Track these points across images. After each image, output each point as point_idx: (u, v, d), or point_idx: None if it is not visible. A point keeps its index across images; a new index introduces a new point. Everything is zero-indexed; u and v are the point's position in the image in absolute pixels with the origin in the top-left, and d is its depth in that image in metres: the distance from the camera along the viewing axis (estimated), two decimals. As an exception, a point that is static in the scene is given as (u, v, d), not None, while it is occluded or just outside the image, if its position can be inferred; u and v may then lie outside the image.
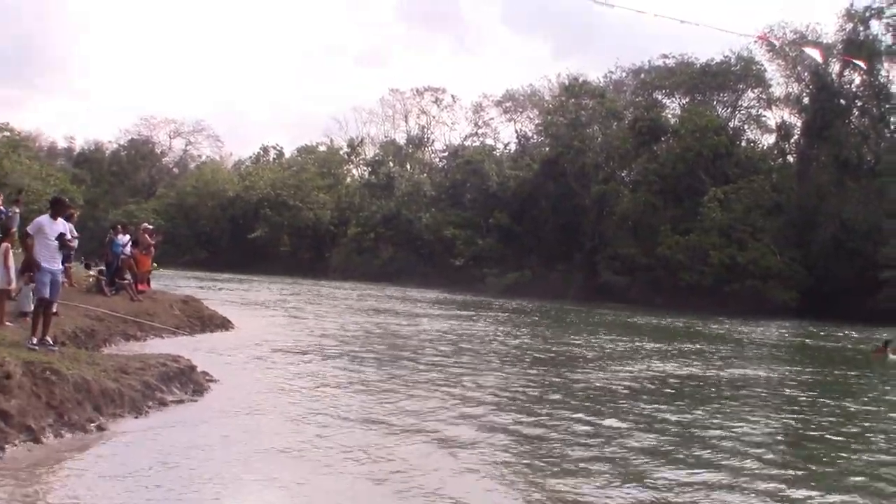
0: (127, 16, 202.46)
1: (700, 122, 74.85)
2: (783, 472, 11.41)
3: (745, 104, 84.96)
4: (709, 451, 12.36)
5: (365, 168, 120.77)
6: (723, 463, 11.57)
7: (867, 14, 72.89)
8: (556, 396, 16.98)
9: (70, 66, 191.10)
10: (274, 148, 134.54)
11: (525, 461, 11.08)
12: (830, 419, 16.27)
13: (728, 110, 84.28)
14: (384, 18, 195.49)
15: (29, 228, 15.04)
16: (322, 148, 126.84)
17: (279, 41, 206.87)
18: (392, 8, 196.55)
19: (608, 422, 14.08)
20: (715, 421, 15.12)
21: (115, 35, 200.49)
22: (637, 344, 31.03)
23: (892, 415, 17.75)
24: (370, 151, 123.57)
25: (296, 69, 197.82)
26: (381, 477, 9.94)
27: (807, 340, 40.16)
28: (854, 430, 15.42)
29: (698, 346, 32.00)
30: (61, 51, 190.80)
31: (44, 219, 14.92)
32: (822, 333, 44.82)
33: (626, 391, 18.17)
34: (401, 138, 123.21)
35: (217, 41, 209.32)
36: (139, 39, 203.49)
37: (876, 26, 73.47)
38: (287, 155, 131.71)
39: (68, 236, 15.72)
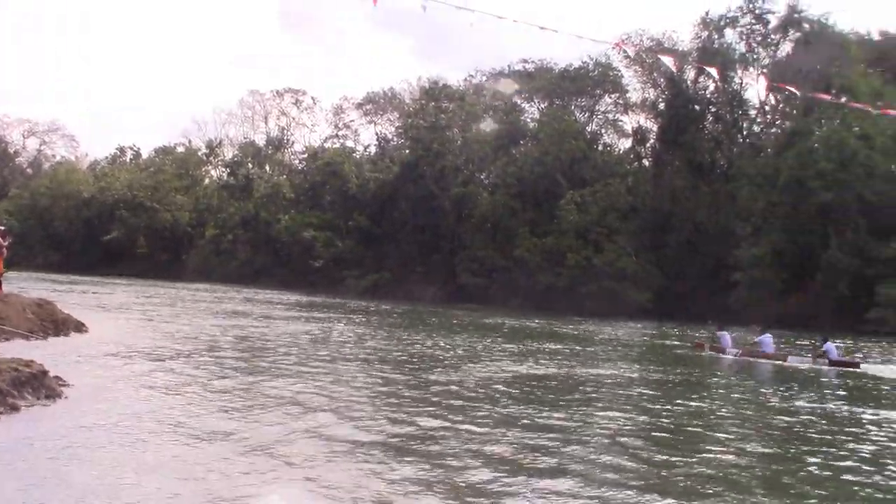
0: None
1: (558, 126, 75.58)
2: (633, 466, 11.18)
3: (602, 109, 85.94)
4: (558, 449, 12.15)
5: (223, 169, 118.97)
6: (569, 463, 11.26)
7: (722, 23, 74.81)
8: (413, 396, 16.66)
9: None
10: (131, 148, 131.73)
11: (354, 466, 10.60)
12: (673, 416, 16.20)
13: (586, 115, 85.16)
14: (253, 20, 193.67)
15: None
16: (180, 149, 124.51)
17: (144, 41, 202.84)
18: (261, 9, 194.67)
19: (465, 425, 13.66)
20: (563, 419, 14.95)
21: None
22: (493, 345, 30.83)
23: (726, 410, 17.75)
24: (229, 153, 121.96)
25: (160, 70, 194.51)
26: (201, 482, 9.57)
27: (658, 341, 40.65)
28: (696, 425, 15.38)
29: (553, 347, 31.93)
30: None
31: None
32: (674, 333, 45.53)
33: (480, 392, 17.86)
34: (260, 140, 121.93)
35: (78, 41, 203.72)
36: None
37: (730, 35, 75.43)
38: (144, 156, 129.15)
39: None
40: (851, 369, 27.02)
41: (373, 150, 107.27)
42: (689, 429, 14.77)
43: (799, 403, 19.07)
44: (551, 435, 12.95)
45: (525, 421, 14.32)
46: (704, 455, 12.15)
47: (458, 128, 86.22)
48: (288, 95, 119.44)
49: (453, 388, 18.02)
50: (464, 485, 9.67)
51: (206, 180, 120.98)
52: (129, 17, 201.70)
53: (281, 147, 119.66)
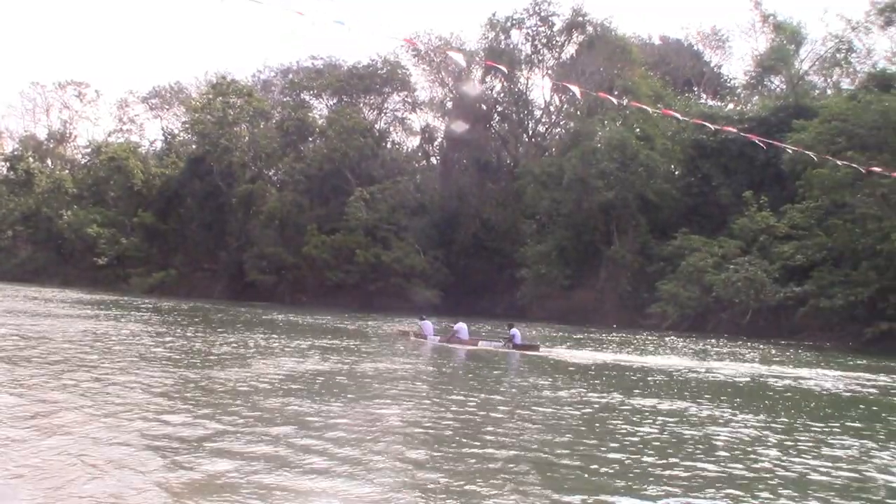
0: None
1: (347, 123, 75.42)
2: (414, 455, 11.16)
3: (391, 107, 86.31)
4: (337, 440, 11.97)
5: (2, 164, 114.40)
6: (346, 452, 11.18)
7: (508, 24, 76.06)
8: (194, 395, 16.23)
9: None
10: None
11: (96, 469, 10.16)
12: (456, 407, 16.33)
13: (375, 112, 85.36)
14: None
15: None
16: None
17: None
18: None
19: (239, 420, 13.35)
20: (343, 411, 14.82)
21: None
22: (279, 342, 30.56)
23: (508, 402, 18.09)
24: (9, 146, 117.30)
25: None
26: None
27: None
28: (478, 414, 15.51)
29: (337, 343, 31.88)
30: None
31: None
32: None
33: (264, 387, 17.61)
34: (42, 133, 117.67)
35: None
36: None
37: (516, 36, 76.83)
38: None
39: None
40: (532, 352, 30.35)
41: (159, 145, 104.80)
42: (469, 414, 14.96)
43: (486, 373, 22.65)
44: (317, 431, 12.86)
45: (293, 415, 14.19)
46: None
47: (245, 123, 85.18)
48: (71, 87, 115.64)
49: (220, 384, 17.50)
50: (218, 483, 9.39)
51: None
52: None
53: (63, 141, 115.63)
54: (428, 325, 35.24)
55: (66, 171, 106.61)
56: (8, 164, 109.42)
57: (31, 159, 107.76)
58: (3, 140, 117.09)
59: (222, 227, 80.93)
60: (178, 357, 23.97)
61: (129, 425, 12.66)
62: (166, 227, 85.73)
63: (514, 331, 31.78)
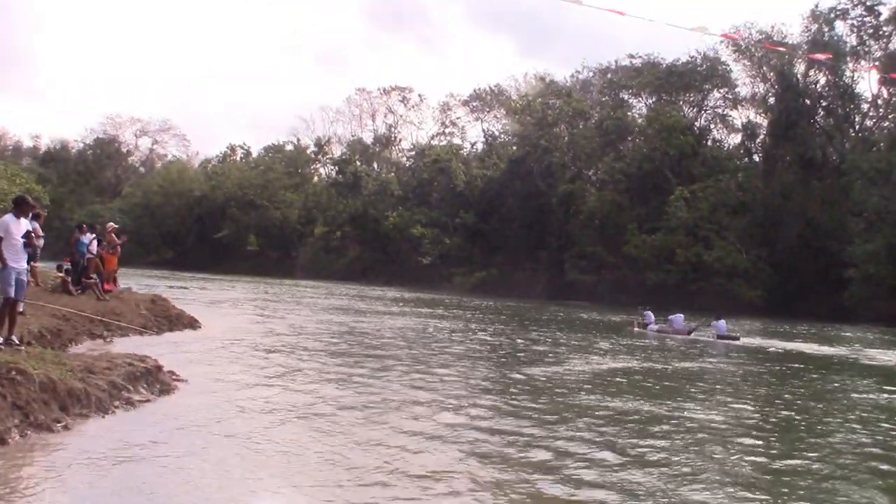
0: (85, 14, 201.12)
1: (666, 121, 75.01)
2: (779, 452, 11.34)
3: (710, 104, 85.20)
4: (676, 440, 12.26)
5: (332, 167, 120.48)
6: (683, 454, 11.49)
7: (832, 15, 73.54)
8: (512, 390, 16.90)
9: (29, 64, 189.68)
10: (241, 147, 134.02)
11: (480, 466, 10.82)
12: (780, 409, 16.26)
13: (694, 110, 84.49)
14: (345, 17, 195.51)
15: None
16: (289, 147, 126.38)
17: (238, 40, 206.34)
18: (353, 7, 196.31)
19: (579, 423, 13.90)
20: (673, 411, 15.07)
21: (73, 33, 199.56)
22: (591, 340, 31.14)
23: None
24: (337, 150, 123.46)
25: (256, 68, 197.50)
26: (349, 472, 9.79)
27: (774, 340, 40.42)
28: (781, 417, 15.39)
29: (643, 342, 32.20)
30: (19, 49, 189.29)
31: (8, 218, 14.61)
32: (784, 330, 45.08)
33: (574, 384, 18.12)
34: (368, 137, 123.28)
35: (175, 39, 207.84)
36: (98, 38, 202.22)
37: (840, 27, 74.18)
38: (254, 154, 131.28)
39: (33, 235, 15.40)
40: (733, 342, 33.96)
41: (479, 147, 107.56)
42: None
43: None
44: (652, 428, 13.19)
45: (628, 414, 14.54)
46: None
47: (564, 124, 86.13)
48: (395, 93, 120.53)
49: (534, 380, 17.72)
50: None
51: (315, 178, 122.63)
52: (219, 17, 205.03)
53: (388, 144, 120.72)
54: (650, 315, 39.62)
55: (392, 174, 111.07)
56: (337, 167, 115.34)
57: (358, 163, 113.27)
58: (332, 145, 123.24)
59: (542, 227, 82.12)
60: (493, 353, 24.87)
61: (437, 417, 13.44)
62: (488, 227, 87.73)
63: (720, 322, 35.66)
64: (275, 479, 9.44)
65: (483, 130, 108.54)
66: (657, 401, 16.70)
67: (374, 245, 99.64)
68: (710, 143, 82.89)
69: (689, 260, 66.84)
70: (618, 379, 19.84)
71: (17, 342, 14.40)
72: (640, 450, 11.54)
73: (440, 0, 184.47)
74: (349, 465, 10.09)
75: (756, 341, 35.35)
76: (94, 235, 27.43)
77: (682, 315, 38.57)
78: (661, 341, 33.39)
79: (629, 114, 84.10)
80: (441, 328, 33.64)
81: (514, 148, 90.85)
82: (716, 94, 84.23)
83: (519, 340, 29.48)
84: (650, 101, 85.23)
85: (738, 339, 34.83)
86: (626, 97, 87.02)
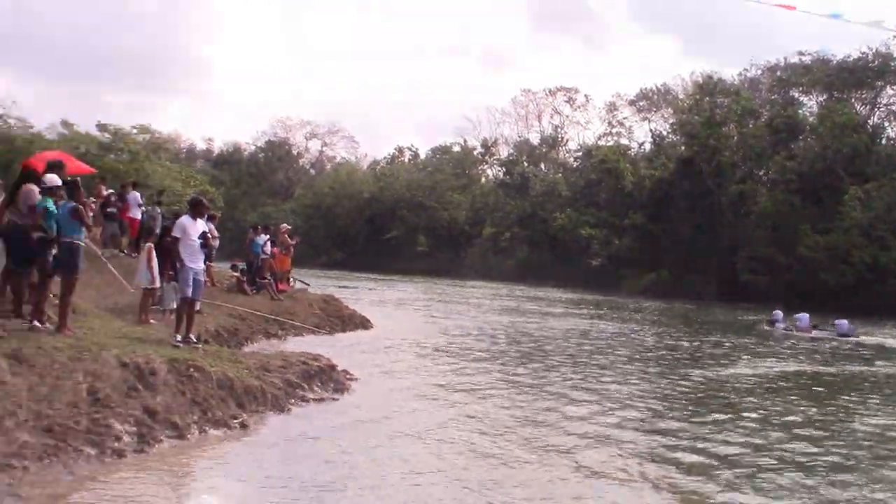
0: (255, 18, 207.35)
1: (838, 119, 73.63)
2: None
3: (884, 101, 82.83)
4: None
5: (499, 168, 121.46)
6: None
7: None
8: (677, 392, 17.48)
9: (202, 69, 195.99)
10: (409, 148, 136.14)
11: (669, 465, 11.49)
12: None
13: (867, 107, 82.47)
14: (510, 18, 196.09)
15: (174, 231, 15.97)
16: (456, 148, 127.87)
17: (401, 41, 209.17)
18: (518, 7, 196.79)
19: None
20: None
21: (244, 38, 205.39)
22: (756, 344, 31.42)
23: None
24: (504, 151, 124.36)
25: (420, 69, 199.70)
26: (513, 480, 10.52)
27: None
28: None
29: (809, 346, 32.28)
30: (193, 54, 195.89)
31: (185, 219, 15.74)
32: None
33: (738, 388, 18.58)
34: (534, 138, 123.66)
35: (342, 43, 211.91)
36: (267, 41, 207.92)
37: None
38: (422, 155, 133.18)
39: (209, 236, 16.38)
40: (853, 337, 36.93)
41: (647, 147, 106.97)
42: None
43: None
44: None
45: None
46: None
47: (734, 123, 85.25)
48: (560, 93, 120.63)
49: (699, 384, 17.86)
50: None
51: (482, 179, 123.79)
52: (385, 21, 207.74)
53: (555, 145, 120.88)
54: (779, 313, 42.94)
55: (559, 175, 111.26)
56: (504, 168, 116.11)
57: (525, 164, 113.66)
58: (498, 146, 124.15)
59: (713, 228, 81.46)
60: (660, 355, 25.39)
61: (599, 418, 14.20)
62: (657, 229, 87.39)
63: (842, 322, 38.93)
64: (446, 476, 10.24)
65: (650, 130, 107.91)
66: (823, 406, 17.26)
67: (542, 246, 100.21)
68: (884, 141, 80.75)
69: (865, 261, 65.42)
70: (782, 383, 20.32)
71: (195, 340, 15.64)
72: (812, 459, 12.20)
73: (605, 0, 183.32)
74: (516, 462, 10.93)
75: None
76: (268, 237, 28.96)
77: (807, 315, 41.66)
78: (791, 339, 36.45)
79: (800, 112, 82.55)
80: (605, 330, 34.36)
81: (683, 148, 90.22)
82: (889, 90, 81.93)
83: (683, 343, 30.02)
84: (821, 98, 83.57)
85: (857, 336, 37.60)
86: (795, 95, 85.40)
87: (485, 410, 14.61)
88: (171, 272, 17.92)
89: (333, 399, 14.78)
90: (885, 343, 36.40)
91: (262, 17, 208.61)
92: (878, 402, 18.73)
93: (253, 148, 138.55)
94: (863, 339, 37.26)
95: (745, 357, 26.62)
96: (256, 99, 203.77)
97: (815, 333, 38.69)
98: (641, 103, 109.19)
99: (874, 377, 23.81)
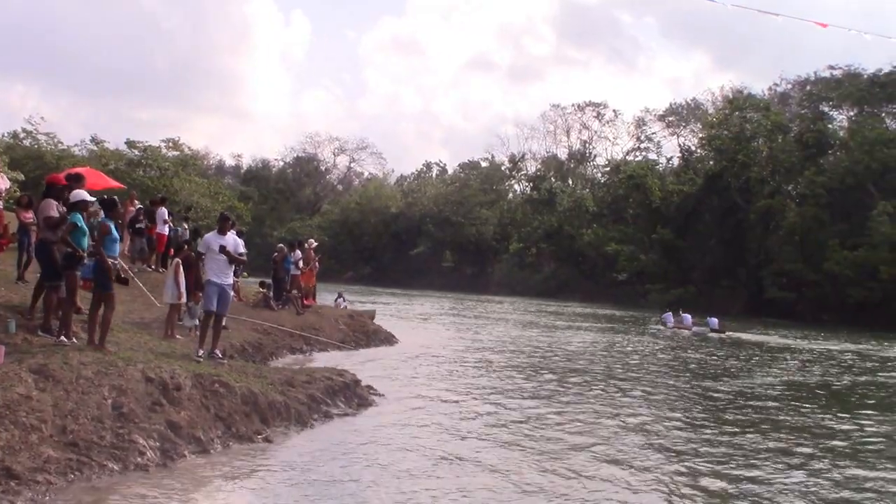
0: (284, 35, 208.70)
1: (869, 134, 73.27)
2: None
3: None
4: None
5: (527, 183, 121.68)
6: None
7: None
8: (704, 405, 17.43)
9: (231, 85, 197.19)
10: (437, 164, 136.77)
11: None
12: None
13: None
14: (537, 34, 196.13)
15: (199, 248, 16.00)
16: (484, 164, 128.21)
17: (431, 57, 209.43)
18: (546, 22, 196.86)
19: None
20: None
21: (273, 53, 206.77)
22: (773, 359, 31.37)
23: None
24: (531, 167, 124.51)
25: (449, 86, 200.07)
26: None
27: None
28: None
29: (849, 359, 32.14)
30: (221, 71, 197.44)
31: (210, 236, 15.86)
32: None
33: (758, 399, 18.50)
34: (562, 153, 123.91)
35: (369, 59, 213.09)
36: (292, 58, 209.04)
37: None
38: (450, 171, 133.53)
39: (241, 250, 16.39)
40: (722, 334, 43.04)
41: (675, 161, 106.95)
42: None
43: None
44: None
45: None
46: None
47: (763, 138, 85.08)
48: (589, 109, 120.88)
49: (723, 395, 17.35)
50: None
51: (510, 194, 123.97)
52: (413, 36, 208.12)
53: (583, 160, 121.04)
54: (668, 315, 49.65)
55: (587, 190, 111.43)
56: (532, 183, 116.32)
57: (553, 179, 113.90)
58: (526, 161, 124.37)
59: (741, 243, 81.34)
60: (687, 370, 25.36)
61: (623, 434, 14.17)
62: (684, 244, 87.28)
63: (713, 319, 45.26)
64: (471, 499, 10.12)
65: (679, 145, 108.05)
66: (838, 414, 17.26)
67: (569, 261, 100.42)
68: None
69: (893, 277, 64.95)
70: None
71: (220, 355, 15.67)
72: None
73: (634, 14, 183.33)
74: (539, 483, 10.91)
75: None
76: (301, 255, 29.16)
77: (689, 315, 48.44)
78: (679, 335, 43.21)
79: (829, 126, 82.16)
80: (629, 344, 34.36)
81: (711, 163, 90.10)
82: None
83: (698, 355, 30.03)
84: (851, 112, 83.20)
85: (724, 332, 43.47)
86: (826, 109, 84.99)
87: (508, 428, 14.61)
88: (199, 292, 17.95)
89: (356, 414, 14.79)
90: (742, 337, 43.66)
91: (291, 33, 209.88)
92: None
93: (281, 164, 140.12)
94: (728, 334, 43.33)
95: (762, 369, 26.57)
96: (286, 114, 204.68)
97: (695, 329, 45.31)
98: (670, 118, 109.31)
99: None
